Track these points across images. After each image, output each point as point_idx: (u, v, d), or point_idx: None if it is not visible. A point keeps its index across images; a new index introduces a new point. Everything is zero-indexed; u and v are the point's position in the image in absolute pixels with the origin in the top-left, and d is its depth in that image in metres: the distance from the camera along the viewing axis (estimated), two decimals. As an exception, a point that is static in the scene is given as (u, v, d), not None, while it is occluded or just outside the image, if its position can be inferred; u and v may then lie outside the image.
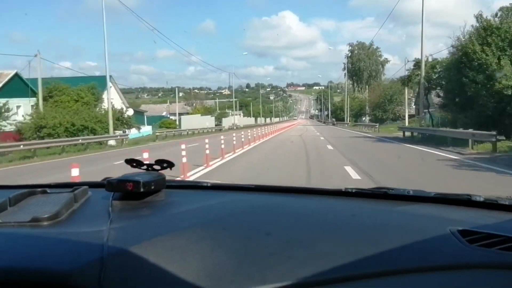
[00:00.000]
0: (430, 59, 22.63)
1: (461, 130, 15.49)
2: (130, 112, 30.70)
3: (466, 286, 0.66)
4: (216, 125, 49.04)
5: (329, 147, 16.61)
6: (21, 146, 16.49)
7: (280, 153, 14.87)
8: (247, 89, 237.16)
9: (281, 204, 1.00)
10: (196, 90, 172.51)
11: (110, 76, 42.46)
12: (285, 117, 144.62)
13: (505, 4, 18.32)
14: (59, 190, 1.02)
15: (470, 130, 14.32)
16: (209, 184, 1.21)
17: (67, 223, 0.80)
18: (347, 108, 55.69)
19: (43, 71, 26.07)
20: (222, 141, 12.98)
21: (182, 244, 0.69)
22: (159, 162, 1.06)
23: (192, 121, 42.47)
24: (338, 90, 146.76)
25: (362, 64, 72.70)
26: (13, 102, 25.93)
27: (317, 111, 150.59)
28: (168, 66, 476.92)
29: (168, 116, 56.69)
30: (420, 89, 21.53)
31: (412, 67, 24.12)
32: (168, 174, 1.05)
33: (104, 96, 36.37)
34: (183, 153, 8.84)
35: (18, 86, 28.48)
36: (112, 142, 22.83)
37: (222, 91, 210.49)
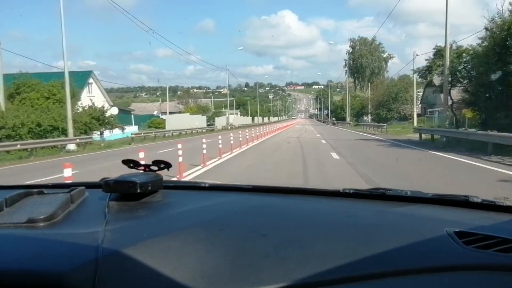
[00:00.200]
0: (454, 47, 18.66)
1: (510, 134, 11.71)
2: (114, 111, 27.07)
3: None
4: (208, 125, 45.34)
5: (335, 155, 12.67)
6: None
7: (262, 173, 9.13)
8: (246, 88, 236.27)
9: (278, 205, 0.99)
10: (194, 89, 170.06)
11: (92, 72, 39.49)
12: (284, 116, 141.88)
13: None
14: (56, 190, 1.01)
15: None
16: (206, 185, 1.20)
17: (63, 224, 0.80)
18: (348, 107, 51.89)
19: (21, 67, 22.51)
20: (201, 148, 9.12)
21: (177, 245, 0.70)
22: (157, 162, 1.06)
23: (180, 121, 38.48)
24: (337, 89, 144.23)
25: (364, 60, 69.40)
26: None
27: (316, 110, 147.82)
28: (167, 65, 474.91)
29: (159, 115, 52.89)
30: (444, 81, 17.57)
31: (431, 57, 20.16)
32: (164, 174, 1.02)
33: (84, 93, 33.16)
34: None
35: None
36: (71, 146, 18.94)
37: (221, 90, 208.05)
